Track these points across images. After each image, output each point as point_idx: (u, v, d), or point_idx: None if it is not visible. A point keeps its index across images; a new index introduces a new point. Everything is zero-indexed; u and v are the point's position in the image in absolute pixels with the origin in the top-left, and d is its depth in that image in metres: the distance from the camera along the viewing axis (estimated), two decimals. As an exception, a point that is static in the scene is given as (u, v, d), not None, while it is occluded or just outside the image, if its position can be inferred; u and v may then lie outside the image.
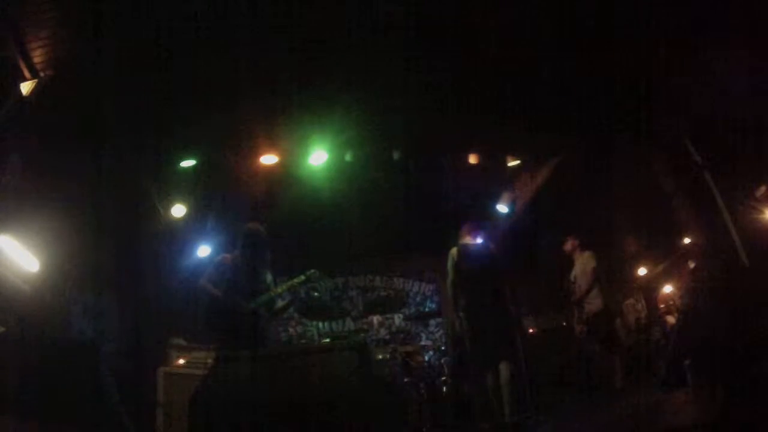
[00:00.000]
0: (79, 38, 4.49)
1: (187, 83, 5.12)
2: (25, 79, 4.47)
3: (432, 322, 8.89)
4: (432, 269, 9.19)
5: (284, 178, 6.82)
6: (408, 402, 5.66)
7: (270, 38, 4.82)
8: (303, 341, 8.53)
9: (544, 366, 6.21)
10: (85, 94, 4.95)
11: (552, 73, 5.43)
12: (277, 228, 5.45)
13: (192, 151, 6.35)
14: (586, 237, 6.37)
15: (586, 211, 7.36)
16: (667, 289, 7.67)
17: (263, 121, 5.98)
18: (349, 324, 8.82)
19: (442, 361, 6.53)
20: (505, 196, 7.78)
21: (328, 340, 8.29)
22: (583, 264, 6.17)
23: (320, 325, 8.83)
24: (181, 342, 6.01)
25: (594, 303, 5.95)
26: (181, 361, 5.78)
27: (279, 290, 4.55)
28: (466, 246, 5.31)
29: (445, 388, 6.11)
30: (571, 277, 6.32)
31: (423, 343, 8.35)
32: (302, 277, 4.60)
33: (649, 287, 7.97)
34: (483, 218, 7.67)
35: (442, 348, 7.22)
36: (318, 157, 6.50)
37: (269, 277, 4.67)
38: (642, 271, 8.24)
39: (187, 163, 6.42)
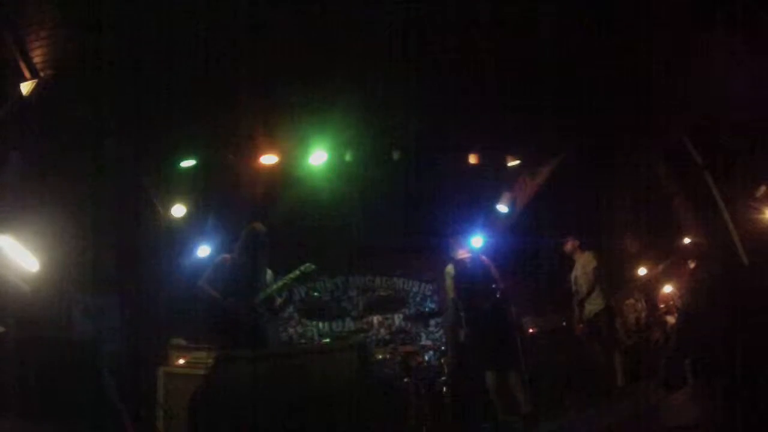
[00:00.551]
0: (79, 38, 4.49)
1: (187, 83, 5.12)
2: (25, 79, 4.47)
3: (432, 322, 8.88)
4: (432, 269, 9.19)
5: (284, 178, 6.81)
6: (408, 402, 5.65)
7: (270, 38, 4.81)
8: (303, 341, 8.52)
9: (544, 366, 6.21)
10: (85, 94, 4.95)
11: (552, 73, 5.43)
12: (277, 228, 5.45)
13: (192, 151, 6.35)
14: (586, 237, 6.37)
15: (586, 211, 7.37)
16: (667, 289, 7.67)
17: (263, 121, 5.98)
18: (349, 324, 8.80)
19: (442, 361, 6.53)
20: (505, 196, 7.77)
21: (328, 340, 8.31)
22: (583, 264, 6.18)
23: (320, 325, 8.82)
24: (181, 342, 6.02)
25: (594, 303, 5.95)
26: (181, 361, 5.78)
27: (276, 288, 4.54)
28: (460, 261, 5.71)
29: (445, 388, 6.11)
30: (572, 278, 6.32)
31: (423, 343, 8.35)
32: (297, 272, 4.57)
33: (649, 287, 7.97)
34: (481, 218, 7.71)
35: (442, 348, 7.22)
36: (318, 157, 6.49)
37: (269, 277, 4.67)
38: (642, 271, 8.25)
39: (187, 163, 6.41)
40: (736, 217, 5.39)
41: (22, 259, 4.35)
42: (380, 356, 6.24)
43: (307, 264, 4.63)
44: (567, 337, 6.55)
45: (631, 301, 7.97)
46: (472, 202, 7.73)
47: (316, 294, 8.77)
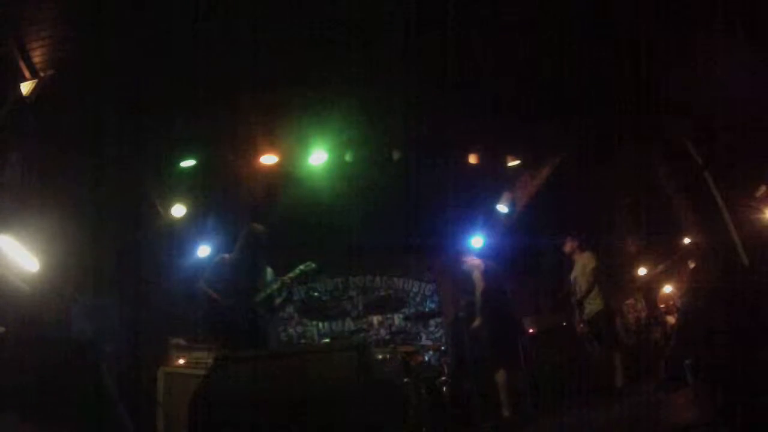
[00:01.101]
0: (79, 38, 4.49)
1: (187, 83, 5.11)
2: (25, 79, 4.47)
3: (432, 322, 8.89)
4: (432, 269, 9.20)
5: (284, 178, 6.81)
6: (408, 402, 5.65)
7: (270, 38, 4.81)
8: (303, 341, 8.53)
9: (544, 366, 6.22)
10: (85, 94, 4.94)
11: (552, 73, 5.43)
12: (276, 228, 5.45)
13: (192, 151, 6.35)
14: (586, 237, 6.37)
15: (586, 211, 7.37)
16: (667, 289, 7.69)
17: (263, 121, 5.98)
18: (349, 324, 8.81)
19: (442, 360, 6.54)
20: (505, 196, 7.78)
21: (328, 340, 8.30)
22: (583, 264, 6.17)
23: (320, 325, 8.83)
24: (181, 342, 6.01)
25: (594, 303, 5.95)
26: (181, 361, 5.78)
27: (275, 286, 4.53)
28: (485, 263, 6.09)
29: (445, 388, 6.11)
30: (572, 278, 6.32)
31: (423, 343, 8.36)
32: (298, 271, 4.56)
33: (649, 287, 7.98)
34: (481, 218, 7.72)
35: (442, 348, 7.22)
36: (318, 157, 6.50)
37: (270, 276, 4.66)
38: (642, 271, 8.26)
39: (187, 163, 6.41)
40: (736, 217, 5.39)
41: (22, 259, 4.35)
42: (380, 356, 6.23)
43: (308, 262, 4.61)
44: (567, 337, 6.55)
45: (631, 301, 7.99)
46: (472, 202, 7.74)
47: (316, 294, 8.78)
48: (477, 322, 5.80)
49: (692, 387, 3.79)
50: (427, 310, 9.12)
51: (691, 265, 6.55)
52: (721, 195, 5.48)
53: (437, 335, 8.77)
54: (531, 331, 6.92)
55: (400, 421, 5.33)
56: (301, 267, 4.57)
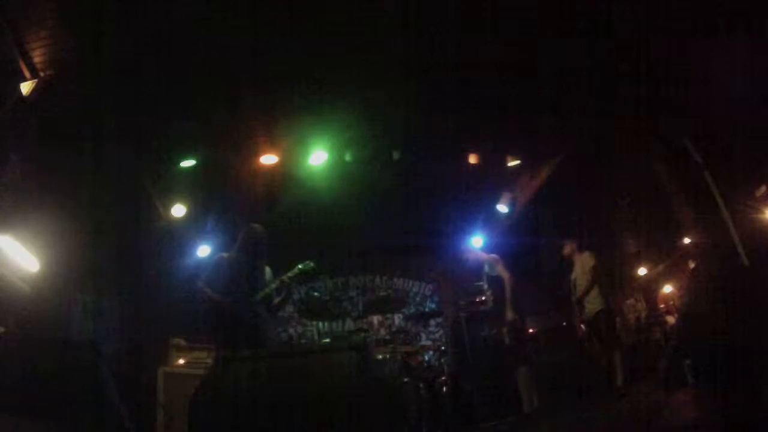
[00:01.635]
0: (79, 38, 4.49)
1: (187, 83, 5.12)
2: (25, 79, 4.48)
3: (432, 322, 8.88)
4: (432, 269, 9.19)
5: (284, 178, 6.81)
6: (408, 402, 5.65)
7: (270, 37, 4.81)
8: (303, 341, 8.52)
9: (544, 366, 6.21)
10: (85, 94, 4.95)
11: (552, 73, 5.43)
12: (276, 228, 5.45)
13: (192, 151, 6.35)
14: (585, 237, 6.37)
15: (586, 211, 7.37)
16: (667, 289, 7.69)
17: (263, 121, 5.98)
18: (349, 324, 8.80)
19: (442, 360, 6.53)
20: (505, 196, 7.78)
21: (328, 340, 8.30)
22: (582, 264, 6.17)
23: (320, 325, 8.82)
24: (181, 342, 6.01)
25: (594, 303, 5.95)
26: (181, 361, 5.77)
27: (274, 285, 4.53)
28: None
29: (445, 388, 6.10)
30: (572, 279, 6.32)
31: (423, 343, 8.33)
32: (297, 270, 4.56)
33: (649, 287, 7.98)
34: (481, 218, 7.72)
35: (442, 348, 7.21)
36: (318, 157, 6.49)
37: (269, 275, 4.66)
38: (642, 271, 8.26)
39: (187, 163, 6.41)
40: (736, 216, 5.39)
41: (22, 259, 4.36)
42: (380, 356, 6.23)
43: (307, 262, 4.61)
44: (567, 337, 6.54)
45: (631, 301, 7.98)
46: (472, 202, 7.74)
47: (316, 294, 8.78)
48: (511, 315, 5.81)
49: (692, 387, 3.79)
50: (427, 310, 9.11)
51: (691, 265, 6.55)
52: (721, 195, 5.48)
53: (437, 335, 8.76)
54: (531, 331, 6.91)
55: (400, 421, 5.34)
56: (300, 266, 4.56)
